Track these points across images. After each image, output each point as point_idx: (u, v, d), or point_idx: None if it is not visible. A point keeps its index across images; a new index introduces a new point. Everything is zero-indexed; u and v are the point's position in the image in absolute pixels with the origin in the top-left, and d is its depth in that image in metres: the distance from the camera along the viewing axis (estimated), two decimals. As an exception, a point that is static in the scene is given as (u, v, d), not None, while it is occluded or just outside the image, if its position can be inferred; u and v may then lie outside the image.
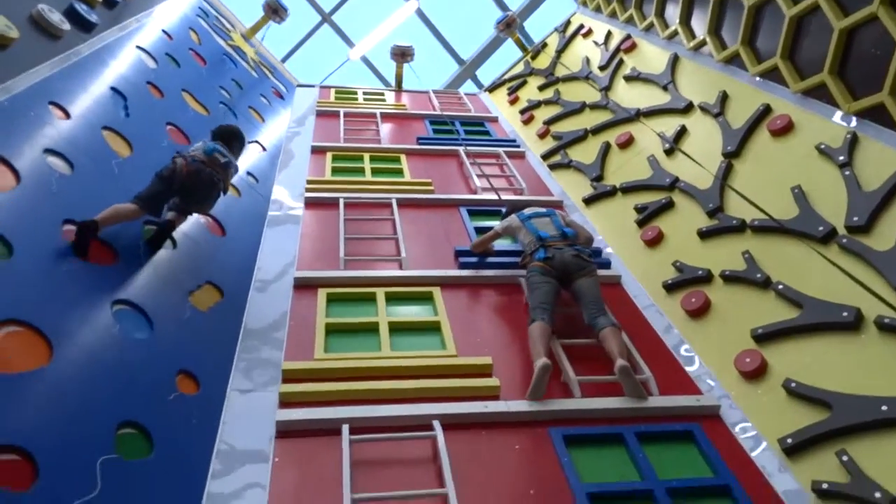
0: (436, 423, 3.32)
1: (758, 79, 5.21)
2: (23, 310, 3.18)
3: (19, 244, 3.44)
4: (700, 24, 6.18)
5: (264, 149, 7.42)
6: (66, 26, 5.33)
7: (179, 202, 4.80)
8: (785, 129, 4.60)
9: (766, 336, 3.67)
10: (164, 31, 7.35)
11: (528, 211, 4.62)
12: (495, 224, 5.65)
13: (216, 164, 4.92)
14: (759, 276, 3.96)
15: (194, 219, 5.22)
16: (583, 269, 4.12)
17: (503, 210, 5.76)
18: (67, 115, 4.70)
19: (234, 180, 6.29)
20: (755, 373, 3.58)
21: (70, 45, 5.33)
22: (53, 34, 5.19)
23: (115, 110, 5.26)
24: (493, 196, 6.11)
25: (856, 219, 3.67)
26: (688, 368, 3.97)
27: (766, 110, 4.86)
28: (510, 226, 4.64)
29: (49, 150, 4.23)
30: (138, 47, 6.47)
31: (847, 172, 3.92)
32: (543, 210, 4.64)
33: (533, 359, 3.64)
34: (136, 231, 4.48)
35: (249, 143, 7.26)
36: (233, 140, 5.37)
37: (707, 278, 4.31)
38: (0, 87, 4.22)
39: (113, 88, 5.49)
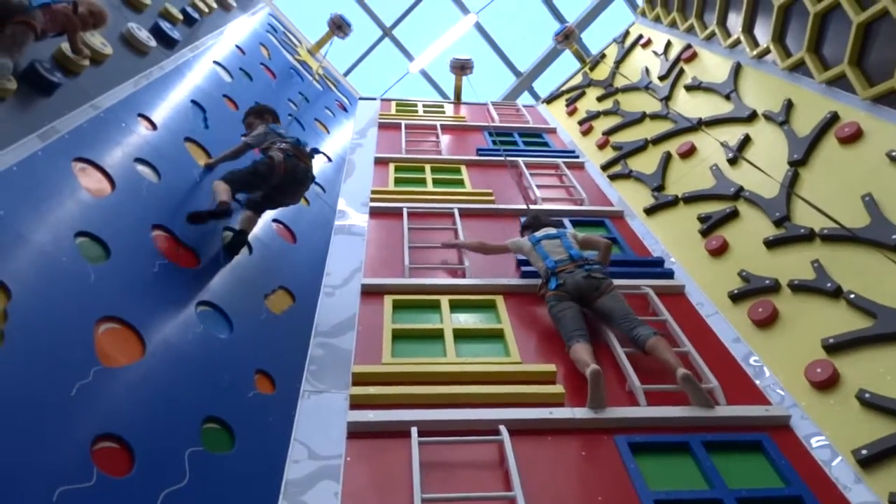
0: (502, 428, 3.39)
1: (824, 86, 5.14)
2: (120, 308, 3.41)
3: (116, 247, 3.69)
4: (763, 32, 6.12)
5: (330, 160, 7.66)
6: (153, 43, 5.67)
7: (270, 195, 4.87)
8: (854, 137, 4.54)
9: (837, 346, 3.62)
10: (237, 46, 7.70)
11: (539, 233, 4.65)
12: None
13: (305, 157, 5.00)
14: (829, 285, 3.91)
15: (268, 225, 5.45)
16: (598, 289, 4.14)
17: (560, 220, 5.84)
18: (154, 127, 5.00)
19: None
20: (826, 383, 3.53)
21: (155, 61, 5.67)
22: (141, 51, 5.53)
23: (195, 122, 5.57)
24: (554, 206, 6.18)
25: (932, 227, 3.60)
26: (756, 380, 3.94)
27: (834, 118, 4.80)
28: (521, 247, 4.69)
29: (139, 160, 4.51)
30: (215, 62, 6.81)
31: (921, 180, 3.85)
32: (554, 231, 4.66)
33: (582, 370, 3.67)
34: (216, 235, 4.72)
35: (317, 153, 7.51)
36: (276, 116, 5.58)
37: (774, 288, 4.27)
38: (96, 100, 4.54)
39: (193, 101, 5.80)
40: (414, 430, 3.33)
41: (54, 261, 3.30)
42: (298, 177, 4.91)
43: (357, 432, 3.42)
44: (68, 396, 2.82)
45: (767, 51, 5.99)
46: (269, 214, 5.28)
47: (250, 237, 4.84)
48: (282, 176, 4.79)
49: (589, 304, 4.17)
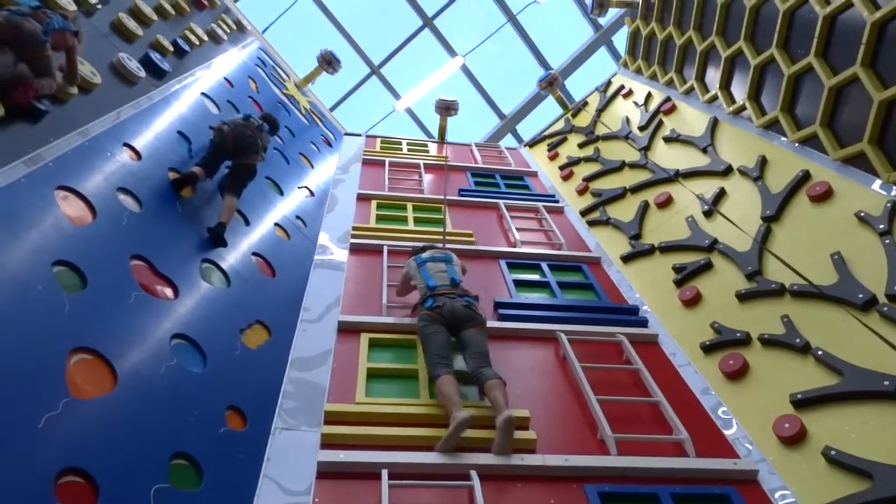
0: (473, 474, 3.37)
1: (797, 145, 5.30)
2: (94, 339, 3.38)
3: (93, 277, 3.67)
4: (740, 89, 6.33)
5: (312, 194, 7.69)
6: (142, 73, 5.72)
7: (231, 164, 5.80)
8: (824, 196, 4.67)
9: (805, 402, 3.68)
10: (225, 78, 7.78)
11: (426, 254, 4.65)
12: (534, 277, 5.81)
13: (252, 126, 6.03)
14: (798, 340, 3.99)
15: (247, 259, 5.45)
16: (472, 320, 4.14)
17: (539, 263, 5.93)
18: (139, 156, 5.02)
19: (283, 222, 6.56)
20: (794, 439, 3.58)
21: (144, 91, 5.72)
22: (130, 80, 5.58)
23: (180, 152, 5.59)
24: (532, 250, 6.25)
25: (896, 288, 3.70)
26: (725, 431, 3.98)
27: (806, 176, 4.94)
28: (408, 271, 4.69)
29: (121, 189, 4.51)
30: (203, 94, 6.86)
31: (887, 241, 3.97)
32: (440, 255, 4.66)
33: (451, 412, 3.60)
34: (195, 268, 4.70)
35: (299, 188, 7.54)
36: (269, 124, 6.57)
37: (745, 341, 4.34)
38: (83, 129, 4.55)
39: (179, 132, 5.83)
40: (384, 473, 3.31)
41: (30, 288, 3.27)
42: (246, 138, 5.86)
43: (327, 472, 3.39)
44: (35, 429, 2.77)
45: (743, 108, 6.18)
46: (246, 245, 5.30)
47: (228, 269, 4.84)
48: (231, 140, 5.71)
49: (456, 332, 4.15)
